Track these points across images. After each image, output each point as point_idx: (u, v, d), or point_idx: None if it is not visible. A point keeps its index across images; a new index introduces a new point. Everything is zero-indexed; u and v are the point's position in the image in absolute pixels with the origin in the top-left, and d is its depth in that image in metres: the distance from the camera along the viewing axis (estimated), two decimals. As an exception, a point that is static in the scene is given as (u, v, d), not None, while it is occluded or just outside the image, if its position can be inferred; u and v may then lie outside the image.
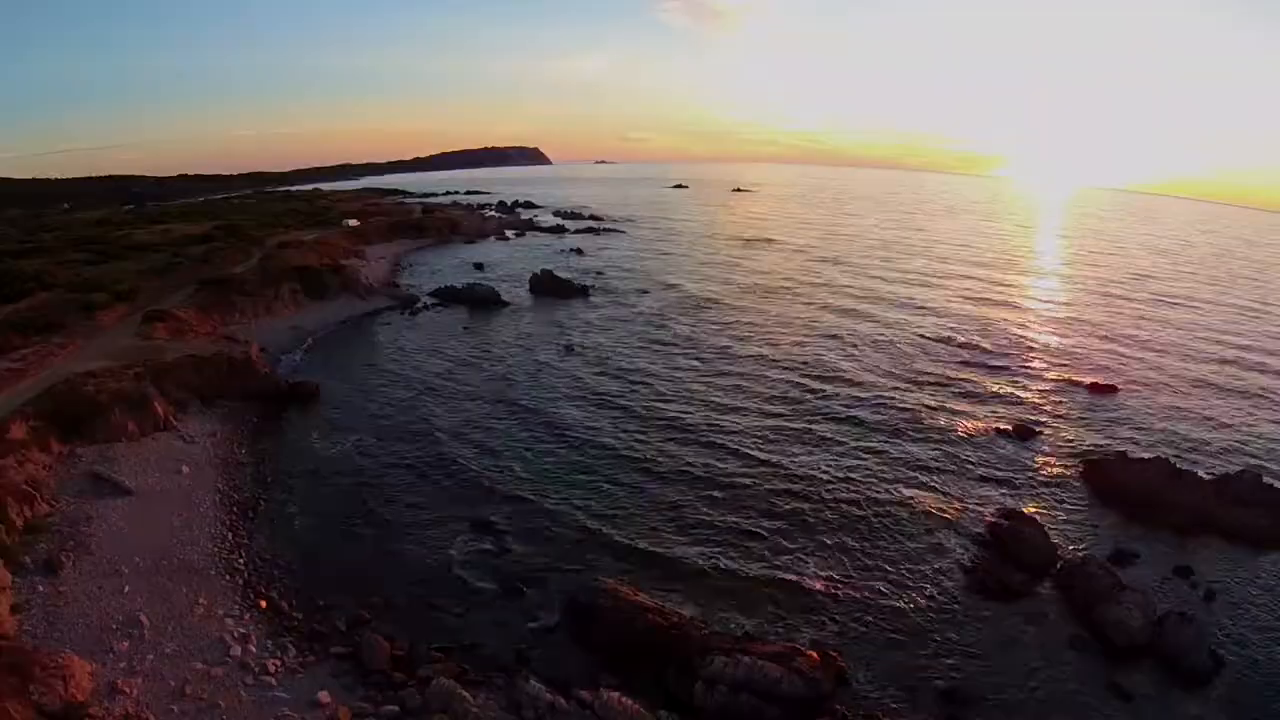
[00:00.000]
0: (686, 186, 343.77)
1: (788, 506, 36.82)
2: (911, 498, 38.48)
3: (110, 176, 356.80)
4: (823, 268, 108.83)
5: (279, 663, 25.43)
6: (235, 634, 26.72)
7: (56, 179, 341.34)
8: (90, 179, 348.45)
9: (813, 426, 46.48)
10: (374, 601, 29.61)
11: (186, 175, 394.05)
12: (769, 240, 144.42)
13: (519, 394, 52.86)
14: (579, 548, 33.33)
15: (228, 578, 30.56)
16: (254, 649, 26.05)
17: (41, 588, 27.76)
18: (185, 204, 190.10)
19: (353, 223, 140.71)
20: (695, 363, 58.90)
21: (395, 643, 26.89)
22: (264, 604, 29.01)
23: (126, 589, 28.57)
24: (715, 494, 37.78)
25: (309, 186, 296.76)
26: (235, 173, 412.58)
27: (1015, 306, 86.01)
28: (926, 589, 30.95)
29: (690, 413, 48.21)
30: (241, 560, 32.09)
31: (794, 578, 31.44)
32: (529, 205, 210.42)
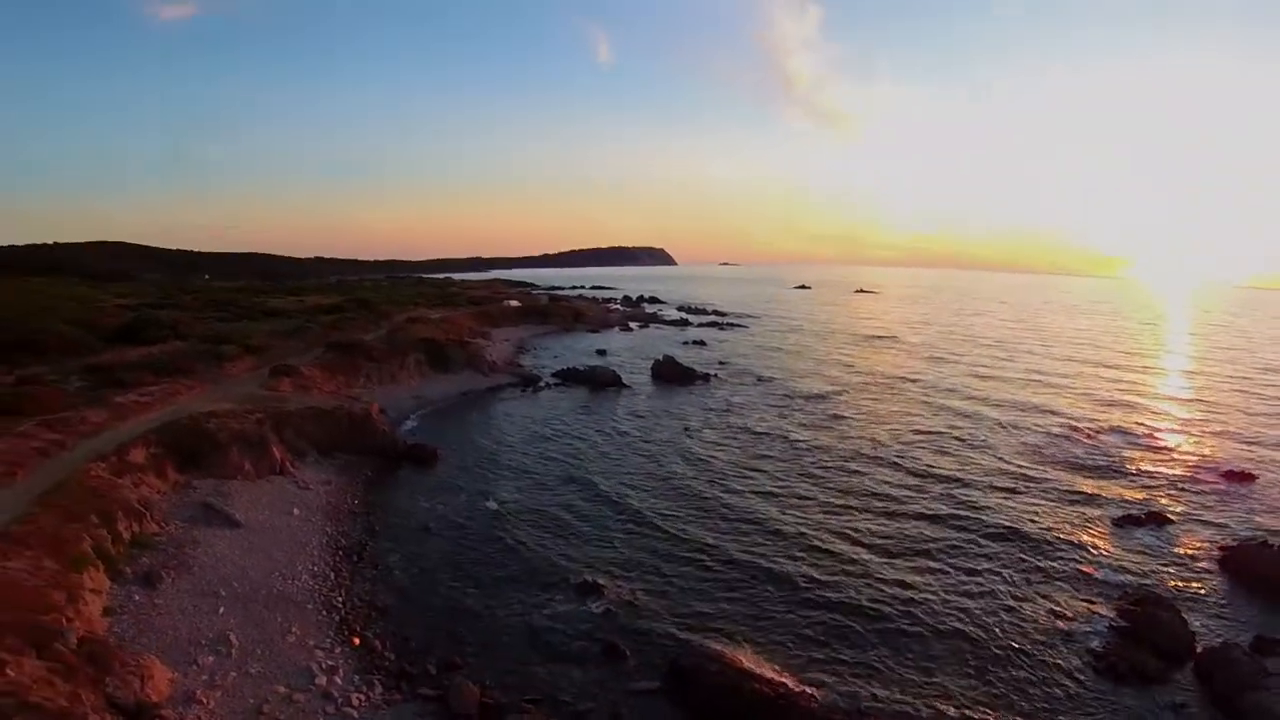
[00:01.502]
0: (809, 287, 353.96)
1: (905, 593, 34.09)
2: (1038, 584, 35.87)
3: (249, 253, 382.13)
4: (942, 365, 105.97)
5: (364, 697, 24.63)
6: (323, 665, 26.21)
7: (197, 251, 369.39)
8: (230, 254, 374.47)
9: (931, 518, 43.64)
10: (469, 650, 28.98)
11: (323, 258, 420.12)
12: (890, 338, 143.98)
13: (632, 469, 52.72)
14: (685, 616, 31.91)
15: (324, 613, 30.54)
16: (340, 681, 25.44)
17: (137, 597, 28.63)
18: (320, 282, 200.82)
19: (514, 303, 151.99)
20: (810, 452, 56.98)
21: (486, 690, 25.83)
22: (357, 641, 28.57)
23: (221, 610, 29.03)
24: (827, 577, 35.41)
25: (440, 275, 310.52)
26: (370, 259, 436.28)
27: (1141, 402, 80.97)
28: (1055, 673, 28.27)
29: (803, 499, 46.23)
30: (340, 599, 32.18)
31: (911, 656, 28.97)
32: (653, 300, 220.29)
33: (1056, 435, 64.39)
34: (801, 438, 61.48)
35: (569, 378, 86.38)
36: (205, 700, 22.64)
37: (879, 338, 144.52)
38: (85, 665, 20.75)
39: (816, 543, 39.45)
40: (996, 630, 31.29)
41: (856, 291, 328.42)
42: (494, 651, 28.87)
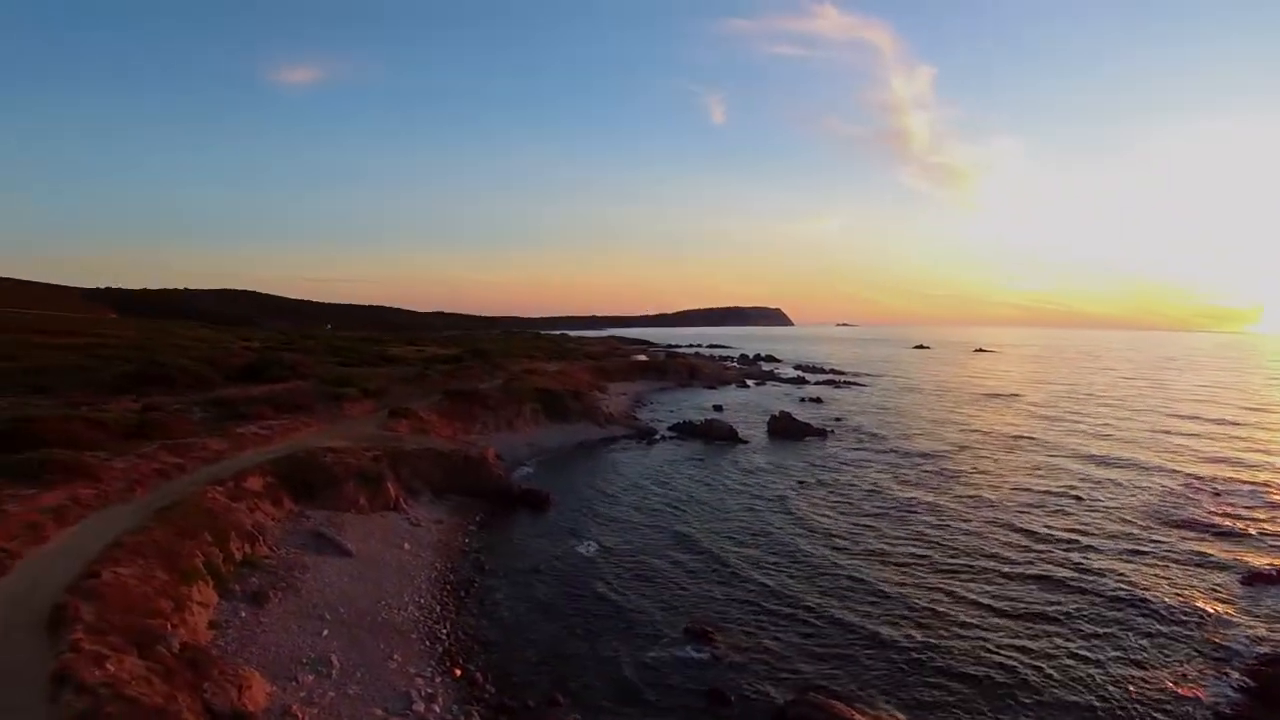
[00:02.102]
0: (928, 347, 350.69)
1: (1020, 659, 31.56)
2: (1161, 648, 32.81)
3: (371, 306, 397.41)
4: (1061, 424, 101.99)
5: None
6: (422, 692, 25.87)
7: (321, 302, 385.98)
8: (352, 306, 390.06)
9: (1048, 581, 40.75)
10: (570, 689, 28.38)
11: (442, 313, 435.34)
12: (1009, 396, 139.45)
13: (743, 523, 51.76)
14: (790, 670, 30.71)
15: (427, 643, 30.40)
16: (438, 709, 25.04)
17: (243, 613, 29.08)
18: (438, 335, 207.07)
19: (641, 358, 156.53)
20: (924, 511, 54.46)
21: None
22: (458, 672, 28.16)
23: (325, 632, 29.20)
24: (937, 640, 33.18)
25: (557, 332, 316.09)
26: (488, 314, 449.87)
27: (1269, 461, 74.91)
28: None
29: (914, 559, 44.10)
30: (445, 631, 32.12)
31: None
32: (770, 359, 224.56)
33: (1180, 495, 60.05)
34: (915, 496, 59.04)
35: (684, 431, 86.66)
36: (300, 715, 22.52)
37: (997, 396, 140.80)
38: (185, 669, 20.79)
39: (927, 604, 37.23)
40: (1117, 696, 28.69)
41: (975, 351, 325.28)
42: (596, 691, 28.17)
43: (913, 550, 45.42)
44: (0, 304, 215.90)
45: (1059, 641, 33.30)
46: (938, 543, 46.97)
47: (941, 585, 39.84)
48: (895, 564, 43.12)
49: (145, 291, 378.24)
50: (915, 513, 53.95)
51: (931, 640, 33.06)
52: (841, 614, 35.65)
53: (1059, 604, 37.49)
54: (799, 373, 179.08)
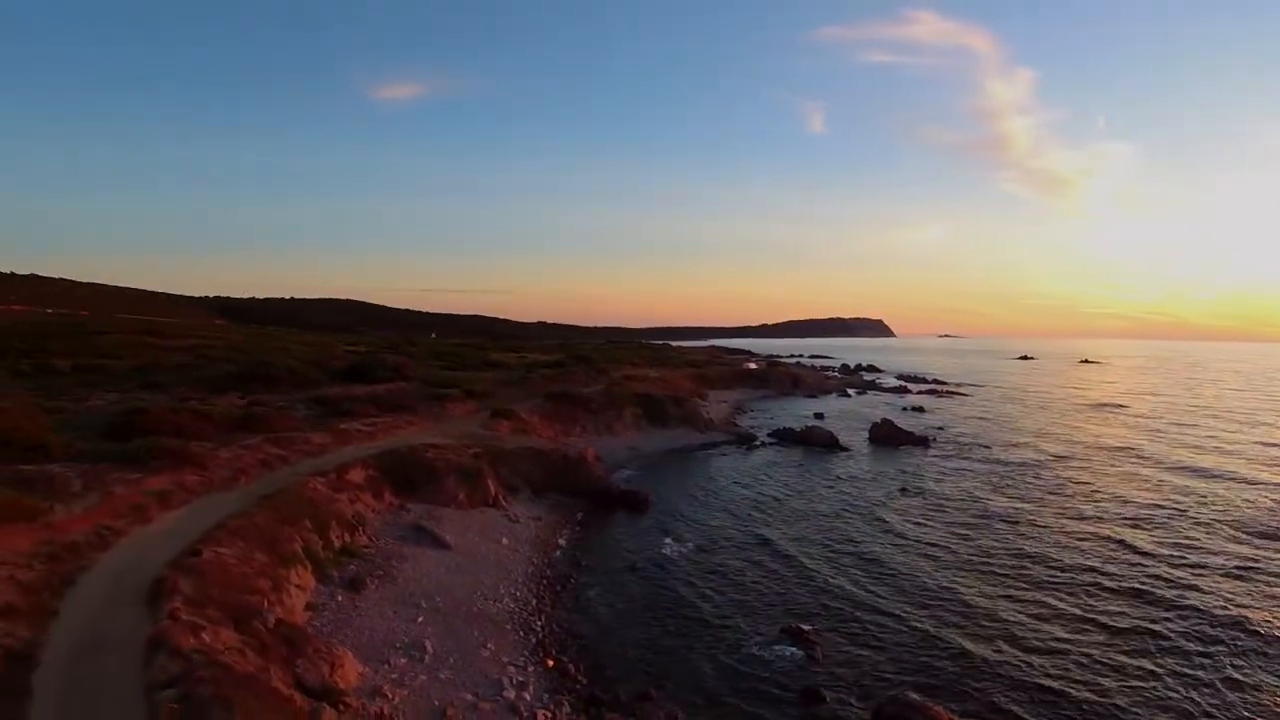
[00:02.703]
0: (1032, 358, 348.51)
1: (1119, 680, 29.62)
2: (1264, 667, 30.60)
3: (474, 315, 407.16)
4: (1168, 437, 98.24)
5: (549, 714, 24.07)
6: (514, 680, 25.79)
7: (425, 311, 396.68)
8: (456, 315, 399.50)
9: (1152, 600, 38.12)
10: (663, 684, 28.03)
11: (545, 322, 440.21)
12: (1114, 407, 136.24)
13: (845, 525, 51.03)
14: (884, 672, 29.83)
15: (521, 634, 30.51)
16: (528, 697, 24.92)
17: (339, 598, 29.73)
18: (540, 343, 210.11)
19: (752, 365, 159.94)
20: (1026, 524, 52.06)
21: None
22: (551, 663, 28.08)
23: (420, 619, 29.56)
24: (1033, 655, 31.52)
25: (659, 342, 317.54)
26: (590, 325, 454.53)
27: None
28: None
29: (1014, 572, 42.14)
30: (539, 623, 32.18)
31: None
32: (871, 369, 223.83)
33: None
34: (1016, 507, 56.82)
35: (785, 438, 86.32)
36: (391, 695, 22.69)
37: (1102, 407, 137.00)
38: (279, 644, 21.17)
39: (1022, 617, 35.48)
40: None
41: (1081, 362, 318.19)
42: (689, 687, 27.82)
43: (1010, 562, 43.55)
44: (116, 309, 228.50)
45: (1156, 661, 31.14)
46: (1036, 555, 44.98)
47: (1037, 598, 38.01)
48: (991, 575, 41.42)
49: (252, 300, 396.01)
50: (1014, 524, 51.86)
51: (1025, 654, 31.47)
52: (936, 623, 34.46)
53: (1158, 622, 35.14)
54: (901, 382, 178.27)
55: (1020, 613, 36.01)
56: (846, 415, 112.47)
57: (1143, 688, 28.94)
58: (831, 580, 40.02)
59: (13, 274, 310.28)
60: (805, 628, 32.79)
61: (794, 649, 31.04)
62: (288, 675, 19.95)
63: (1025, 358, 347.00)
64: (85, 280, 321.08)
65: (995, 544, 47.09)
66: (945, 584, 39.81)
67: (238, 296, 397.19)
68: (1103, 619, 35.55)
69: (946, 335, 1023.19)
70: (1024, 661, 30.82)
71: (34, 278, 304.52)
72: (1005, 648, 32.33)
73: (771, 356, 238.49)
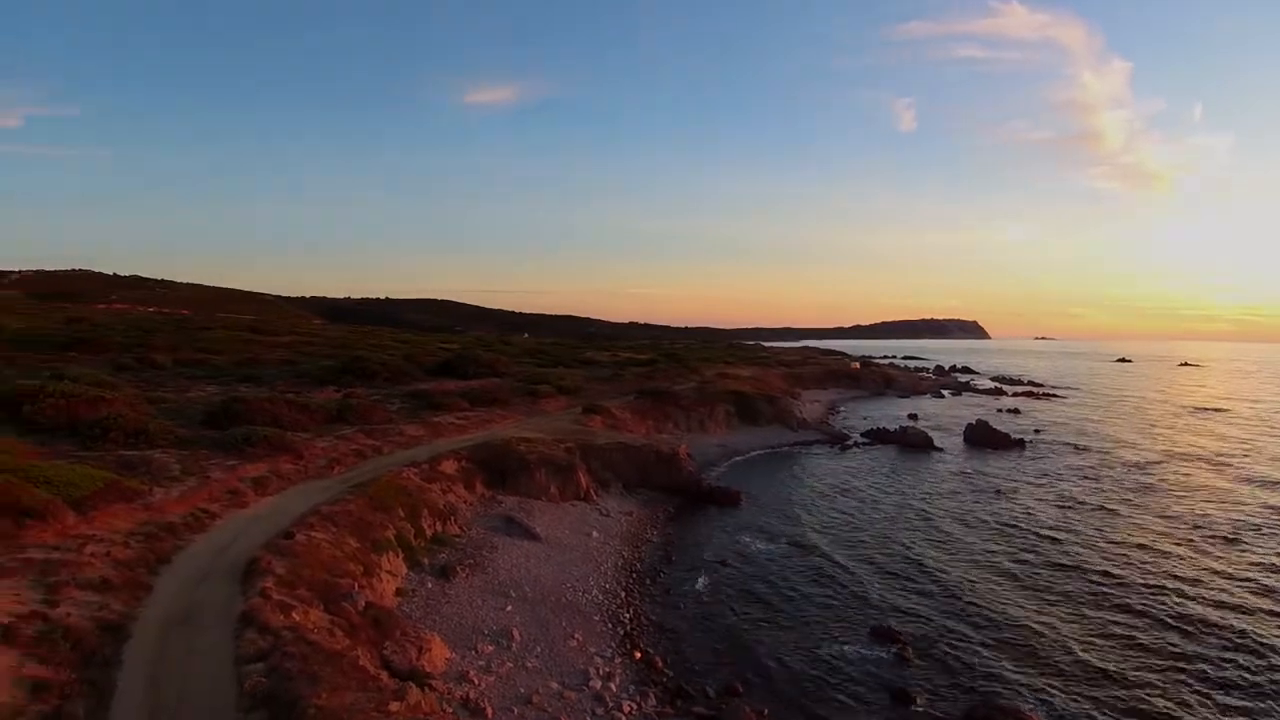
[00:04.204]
0: (1130, 361, 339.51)
1: (1218, 694, 27.94)
2: None
3: (568, 316, 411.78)
4: (1274, 441, 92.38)
5: (635, 706, 23.88)
6: (600, 671, 25.82)
7: (519, 312, 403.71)
8: (549, 315, 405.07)
9: (1243, 608, 36.05)
10: (750, 679, 27.78)
11: (636, 323, 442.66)
12: (1217, 411, 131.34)
13: (936, 529, 49.71)
14: (976, 675, 28.95)
15: (609, 626, 30.56)
16: (614, 688, 24.97)
17: (430, 584, 30.29)
18: (632, 343, 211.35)
19: (855, 365, 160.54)
20: (1124, 528, 50.04)
21: (764, 718, 23.89)
22: (638, 655, 28.05)
23: (508, 608, 29.88)
24: (1128, 665, 30.09)
25: (751, 342, 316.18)
26: (682, 325, 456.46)
27: None
28: None
29: (1113, 577, 40.47)
30: (627, 615, 32.23)
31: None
32: (966, 370, 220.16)
33: None
34: (1115, 511, 54.69)
35: (878, 438, 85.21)
36: (477, 681, 22.92)
37: (1205, 409, 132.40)
38: (368, 626, 21.57)
39: (1119, 628, 33.87)
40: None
41: (1180, 365, 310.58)
42: (777, 684, 27.54)
43: (1108, 570, 41.62)
44: (216, 309, 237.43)
45: (1258, 678, 29.75)
46: (1135, 564, 42.95)
47: (1136, 606, 36.25)
48: (1089, 582, 39.73)
49: (349, 300, 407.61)
50: (1113, 530, 49.68)
51: (1121, 665, 30.19)
52: (1029, 628, 33.32)
53: (1258, 638, 33.45)
54: (996, 384, 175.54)
55: (1117, 623, 34.47)
56: (941, 416, 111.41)
57: (1239, 706, 27.51)
58: (924, 582, 39.33)
59: (115, 274, 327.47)
60: (896, 629, 32.16)
61: (884, 650, 30.55)
62: (375, 656, 20.27)
63: (1123, 360, 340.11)
64: (185, 280, 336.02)
65: (1091, 551, 45.28)
66: (1041, 589, 38.65)
67: (336, 297, 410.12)
68: (1205, 632, 33.82)
69: (1042, 338, 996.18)
70: (1121, 675, 29.52)
71: (135, 278, 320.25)
72: (1100, 655, 31.14)
73: (865, 357, 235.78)
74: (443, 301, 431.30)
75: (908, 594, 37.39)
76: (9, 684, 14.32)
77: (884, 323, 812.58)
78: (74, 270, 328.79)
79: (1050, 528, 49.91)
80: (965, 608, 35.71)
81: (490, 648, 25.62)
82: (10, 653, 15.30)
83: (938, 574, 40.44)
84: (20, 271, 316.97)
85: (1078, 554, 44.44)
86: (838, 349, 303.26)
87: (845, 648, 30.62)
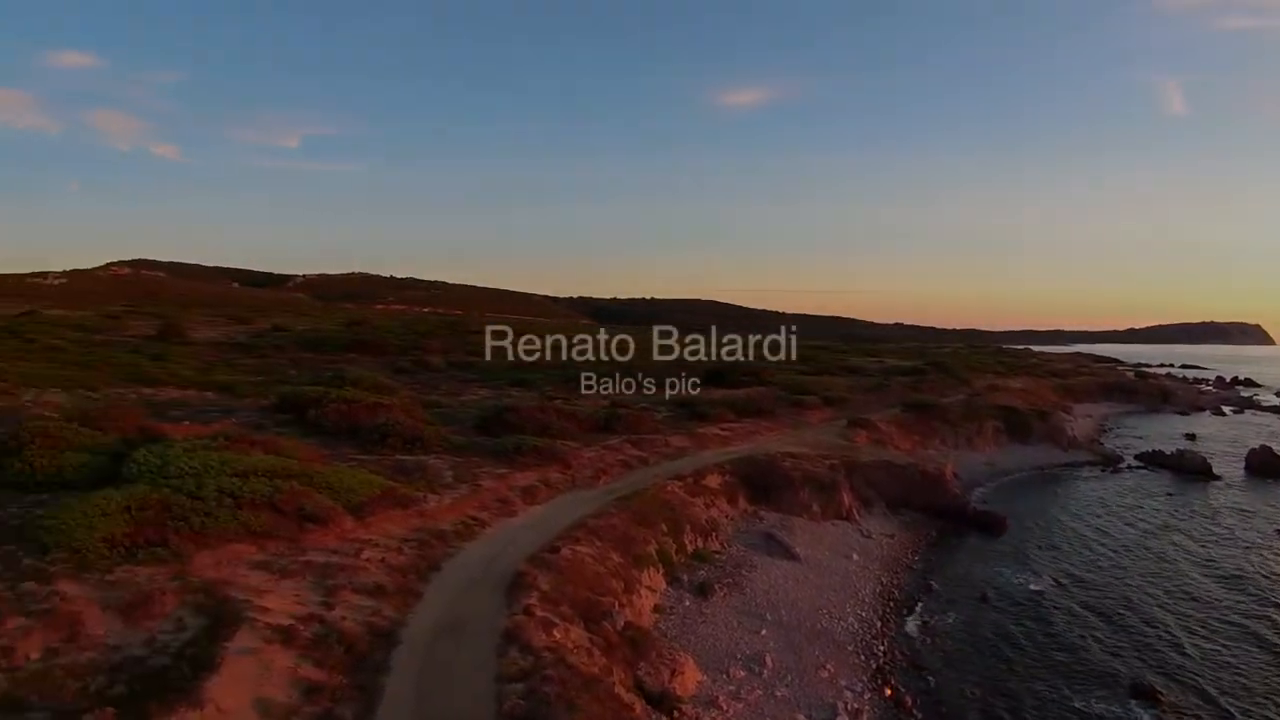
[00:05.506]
0: None
1: None
2: None
3: (830, 316, 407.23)
4: None
5: None
6: (849, 706, 25.52)
7: (780, 312, 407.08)
8: (811, 316, 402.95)
9: None
10: None
11: (901, 324, 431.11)
12: None
13: (1214, 570, 44.37)
14: None
15: (861, 658, 29.85)
16: None
17: (687, 602, 30.91)
18: (898, 346, 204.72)
19: (1127, 376, 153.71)
20: None
21: None
22: (889, 693, 27.36)
23: (763, 632, 29.97)
24: None
25: (1019, 347, 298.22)
26: (948, 327, 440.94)
27: None
28: None
29: None
30: (882, 648, 31.29)
31: None
32: (1249, 383, 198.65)
33: None
34: None
35: (1152, 461, 78.03)
36: (725, 708, 23.29)
37: None
38: (624, 646, 22.59)
39: None
40: None
41: None
42: (1030, 733, 25.97)
43: None
44: (488, 308, 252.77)
45: None
46: None
47: None
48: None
49: (615, 301, 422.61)
50: None
51: None
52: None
53: None
54: None
55: None
56: (1220, 437, 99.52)
57: None
58: (1195, 633, 35.46)
59: (391, 277, 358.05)
60: (1158, 687, 29.61)
61: (1145, 708, 28.23)
62: (629, 676, 21.25)
63: None
64: (457, 282, 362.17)
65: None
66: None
67: (602, 298, 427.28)
68: None
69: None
70: None
71: (410, 280, 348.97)
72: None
73: (1139, 364, 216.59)
74: (706, 302, 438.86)
75: (1173, 645, 34.09)
76: (285, 684, 16.13)
77: (1160, 325, 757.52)
78: (353, 274, 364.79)
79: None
80: (1235, 670, 31.71)
81: (742, 673, 25.88)
82: (288, 653, 17.20)
83: (1208, 626, 36.15)
84: (305, 275, 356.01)
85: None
86: (1111, 354, 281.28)
87: (1101, 703, 28.50)
